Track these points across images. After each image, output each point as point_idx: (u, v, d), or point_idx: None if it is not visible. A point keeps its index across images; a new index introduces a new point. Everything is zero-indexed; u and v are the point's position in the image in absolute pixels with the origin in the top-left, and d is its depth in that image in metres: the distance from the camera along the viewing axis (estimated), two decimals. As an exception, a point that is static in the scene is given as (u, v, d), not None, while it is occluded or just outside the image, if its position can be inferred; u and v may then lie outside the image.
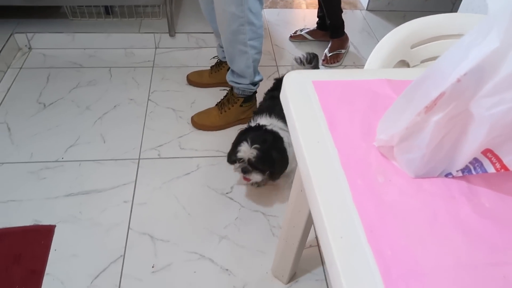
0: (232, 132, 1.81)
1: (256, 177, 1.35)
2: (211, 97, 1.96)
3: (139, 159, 1.68)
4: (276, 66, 2.25)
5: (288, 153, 1.37)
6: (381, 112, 0.73)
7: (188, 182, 1.59)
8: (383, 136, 0.64)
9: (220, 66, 2.02)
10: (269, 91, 1.67)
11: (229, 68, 1.74)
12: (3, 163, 1.62)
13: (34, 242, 1.36)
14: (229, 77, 1.74)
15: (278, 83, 1.61)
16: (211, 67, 2.06)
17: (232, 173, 1.57)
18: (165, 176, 1.62)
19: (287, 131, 1.22)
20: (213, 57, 2.12)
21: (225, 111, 1.80)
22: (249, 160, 1.31)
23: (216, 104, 1.85)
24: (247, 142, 1.29)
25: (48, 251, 1.34)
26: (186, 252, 1.35)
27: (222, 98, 1.84)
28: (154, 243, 1.37)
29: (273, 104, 1.49)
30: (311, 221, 1.02)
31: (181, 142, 1.77)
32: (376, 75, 0.85)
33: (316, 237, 1.43)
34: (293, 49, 2.40)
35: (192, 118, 1.84)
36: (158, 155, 1.70)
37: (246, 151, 1.30)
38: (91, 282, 1.27)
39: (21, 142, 1.71)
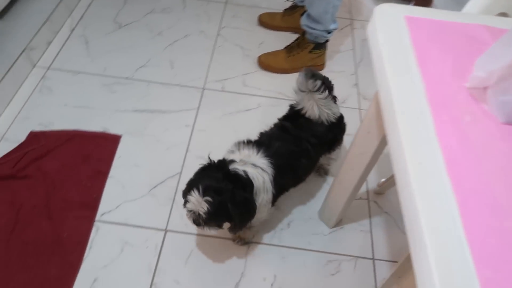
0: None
1: (210, 231, 1.07)
2: (280, 40, 1.93)
3: (203, 88, 1.72)
4: (351, 19, 2.17)
5: (256, 201, 1.07)
6: (476, 57, 0.70)
7: (247, 118, 1.63)
8: (481, 73, 0.61)
9: (294, 10, 1.97)
10: (282, 118, 1.27)
11: (303, 12, 1.70)
12: (79, 72, 1.72)
13: (102, 147, 1.47)
14: (304, 20, 1.70)
15: (293, 112, 1.24)
16: (284, 10, 2.02)
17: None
18: (226, 108, 1.65)
19: (267, 173, 1.07)
20: (288, 0, 2.07)
21: (293, 55, 1.78)
22: (199, 214, 1.01)
23: (285, 47, 1.83)
24: (198, 191, 0.98)
25: (113, 157, 1.44)
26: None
27: (292, 41, 1.82)
28: (209, 168, 1.43)
29: (277, 136, 1.18)
30: (372, 165, 1.02)
31: (245, 79, 1.79)
32: (475, 20, 0.81)
33: (367, 191, 1.43)
34: (371, 3, 2.29)
35: (259, 57, 1.84)
36: (222, 88, 1.74)
37: (196, 203, 1.00)
38: (149, 191, 1.36)
39: (97, 56, 1.80)
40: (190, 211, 1.02)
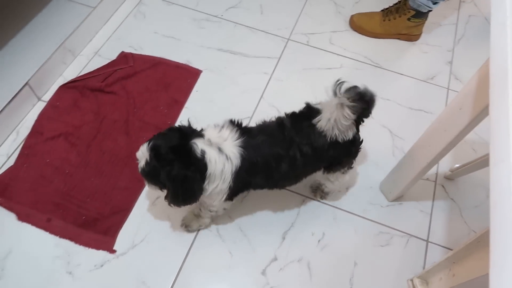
0: (388, 45, 1.71)
1: (150, 187, 1.03)
2: (378, 1, 1.83)
3: (288, 39, 1.70)
4: (459, -9, 1.98)
5: (206, 187, 0.97)
6: None
7: (327, 76, 1.59)
8: None
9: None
10: (288, 114, 1.07)
11: (411, -25, 1.57)
12: (172, 3, 1.77)
13: (182, 78, 1.52)
14: (410, -16, 1.58)
15: (304, 111, 1.06)
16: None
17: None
18: (307, 63, 1.63)
19: (231, 163, 0.95)
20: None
21: (389, 20, 1.68)
22: (141, 166, 0.98)
23: (382, 10, 1.73)
24: (147, 145, 0.95)
25: (191, 90, 1.50)
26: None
27: (391, 5, 1.71)
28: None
29: (269, 131, 1.03)
30: (453, 145, 0.96)
31: (333, 37, 1.73)
32: None
33: (437, 173, 1.36)
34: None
35: (351, 17, 1.76)
36: (307, 41, 1.70)
37: (141, 154, 0.97)
38: (219, 128, 1.41)
39: (192, -10, 1.83)
40: (137, 159, 0.99)
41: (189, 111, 1.44)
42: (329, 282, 1.16)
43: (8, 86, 1.34)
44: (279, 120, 1.05)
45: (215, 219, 1.22)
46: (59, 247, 1.15)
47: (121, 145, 1.35)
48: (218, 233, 1.21)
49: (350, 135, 1.01)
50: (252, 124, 1.07)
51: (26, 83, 1.36)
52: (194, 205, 1.10)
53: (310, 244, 1.21)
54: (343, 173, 1.14)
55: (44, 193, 1.24)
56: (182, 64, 1.56)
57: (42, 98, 1.44)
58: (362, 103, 0.91)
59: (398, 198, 1.29)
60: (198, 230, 1.21)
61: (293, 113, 1.06)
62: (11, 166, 1.28)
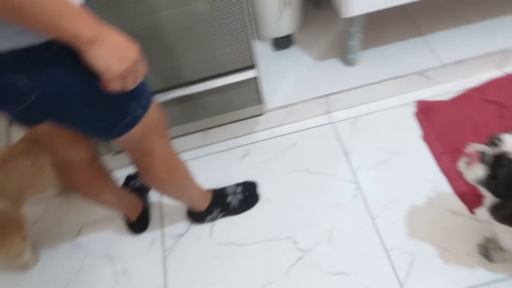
0: None
1: (473, 172, 0.89)
2: None
3: None
4: None
5: None
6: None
7: None
8: None
9: None
10: None
11: None
12: None
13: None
14: None
15: None
16: None
17: None
18: None
19: None
20: None
21: None
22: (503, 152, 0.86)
23: None
24: None
25: None
26: None
27: None
28: None
29: None
30: None
31: None
32: None
33: None
34: None
35: None
36: None
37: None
38: None
39: None
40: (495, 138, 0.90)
41: None
42: None
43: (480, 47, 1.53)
44: None
45: None
46: (435, 175, 1.33)
47: None
48: None
49: None
50: None
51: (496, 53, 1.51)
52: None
53: None
54: None
55: (451, 133, 1.42)
56: None
57: (503, 69, 1.55)
58: None
59: None
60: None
61: None
62: (445, 100, 1.51)
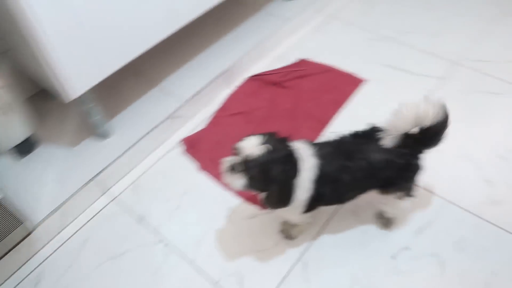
0: None
1: (236, 182, 1.01)
2: None
3: (457, 63, 1.74)
4: None
5: (293, 192, 1.02)
6: None
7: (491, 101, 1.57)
8: None
9: None
10: (354, 134, 1.14)
11: None
12: (352, 24, 2.01)
13: (345, 84, 1.73)
14: None
15: (372, 130, 1.10)
16: None
17: None
18: (473, 88, 1.65)
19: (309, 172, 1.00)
20: None
21: None
22: (246, 157, 0.97)
23: None
24: (259, 138, 0.98)
25: (350, 94, 1.69)
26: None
27: None
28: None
29: (338, 146, 1.09)
30: None
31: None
32: None
33: None
34: None
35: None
36: (476, 67, 1.72)
37: (249, 146, 0.97)
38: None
39: (374, 16, 2.04)
40: (236, 148, 1.00)
41: (345, 111, 1.63)
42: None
43: (207, 75, 1.76)
44: (343, 136, 1.13)
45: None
46: (222, 195, 1.44)
47: (285, 129, 1.60)
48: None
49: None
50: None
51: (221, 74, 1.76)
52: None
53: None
54: (399, 198, 1.15)
55: (218, 154, 1.54)
56: (347, 73, 1.77)
57: (232, 85, 1.81)
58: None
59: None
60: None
61: (356, 132, 1.13)
62: (202, 129, 1.65)
